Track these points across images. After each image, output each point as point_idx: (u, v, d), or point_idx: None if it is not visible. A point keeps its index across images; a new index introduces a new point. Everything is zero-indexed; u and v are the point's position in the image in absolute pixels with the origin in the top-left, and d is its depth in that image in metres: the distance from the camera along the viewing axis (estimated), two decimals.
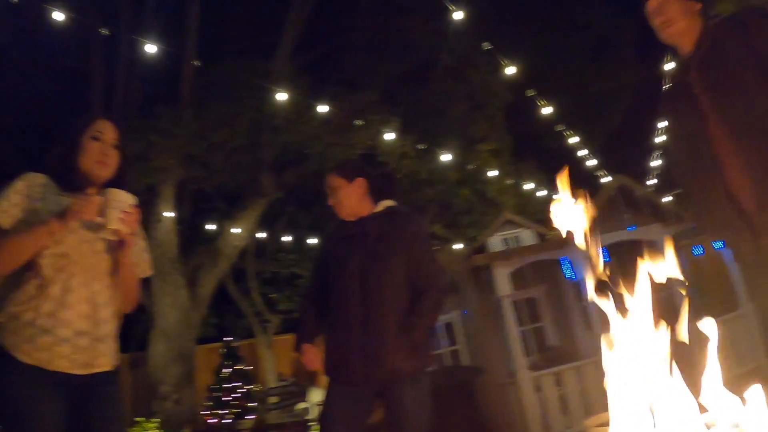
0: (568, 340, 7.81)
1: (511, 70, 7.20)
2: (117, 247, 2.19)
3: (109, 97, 10.20)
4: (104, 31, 6.56)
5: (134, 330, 11.34)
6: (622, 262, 7.97)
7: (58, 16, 4.97)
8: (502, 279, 7.39)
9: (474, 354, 8.58)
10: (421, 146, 9.62)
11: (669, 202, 7.28)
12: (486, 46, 6.85)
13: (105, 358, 2.14)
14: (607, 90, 11.74)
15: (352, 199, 3.01)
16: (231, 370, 10.15)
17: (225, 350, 10.46)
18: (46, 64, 10.08)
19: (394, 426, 2.84)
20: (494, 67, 8.20)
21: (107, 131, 2.25)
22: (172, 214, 9.83)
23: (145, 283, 8.53)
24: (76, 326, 2.05)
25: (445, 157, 9.48)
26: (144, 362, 10.08)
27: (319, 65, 11.76)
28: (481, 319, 8.24)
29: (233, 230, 10.40)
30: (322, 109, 8.40)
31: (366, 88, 9.63)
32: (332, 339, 2.96)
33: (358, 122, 9.24)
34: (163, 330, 9.42)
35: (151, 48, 6.39)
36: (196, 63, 8.36)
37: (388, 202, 3.10)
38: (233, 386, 9.95)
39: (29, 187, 2.12)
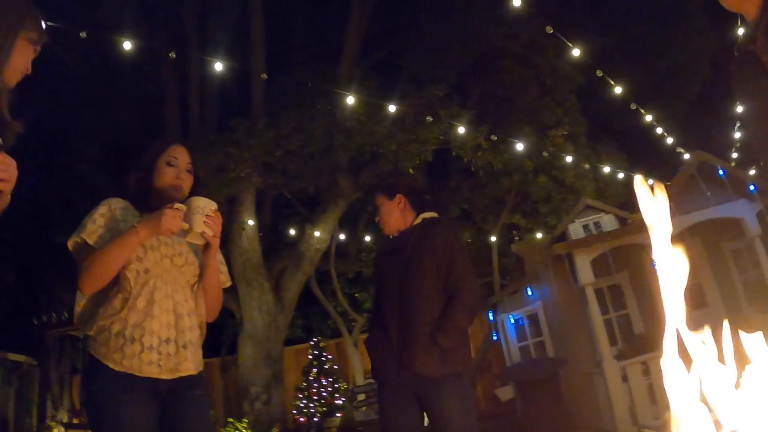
0: (655, 328, 7.46)
1: (578, 51, 6.95)
2: (203, 250, 2.31)
3: (185, 115, 10.73)
4: (172, 55, 6.88)
5: (224, 335, 11.84)
6: (707, 243, 7.55)
7: (127, 45, 5.25)
8: (584, 267, 7.19)
9: (559, 345, 8.39)
10: (493, 137, 9.46)
11: (754, 176, 6.80)
12: (549, 29, 6.62)
13: (190, 362, 2.24)
14: (680, 62, 11.08)
15: (393, 216, 3.20)
16: (319, 369, 10.38)
17: (313, 350, 10.71)
18: (122, 90, 10.70)
19: (432, 430, 2.89)
20: (561, 49, 7.96)
21: (181, 156, 2.40)
22: (253, 222, 10.18)
23: (233, 289, 8.90)
24: (161, 334, 2.17)
25: (519, 146, 9.30)
26: (234, 366, 10.52)
27: (386, 65, 11.82)
28: (565, 309, 8.04)
29: (315, 233, 10.62)
30: (392, 108, 8.48)
31: (434, 83, 9.58)
32: (374, 344, 3.11)
33: (429, 118, 9.21)
34: (251, 334, 9.77)
35: (219, 66, 6.64)
36: (264, 76, 8.60)
37: (427, 214, 3.22)
38: (321, 385, 10.18)
39: (112, 210, 2.28)
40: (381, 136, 9.46)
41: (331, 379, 10.25)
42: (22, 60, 1.72)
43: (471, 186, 11.33)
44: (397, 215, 3.20)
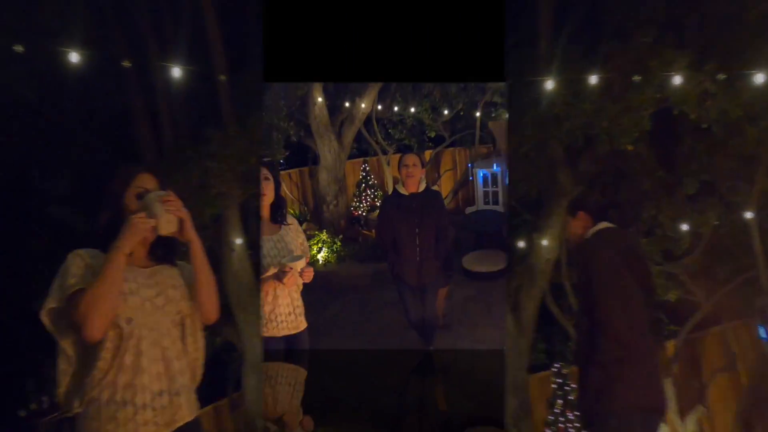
0: None
1: None
2: (180, 232, 2.24)
3: (157, 131, 9.66)
4: (127, 64, 6.41)
5: None
6: None
7: (74, 57, 4.78)
8: None
9: None
10: (721, 76, 7.53)
11: None
12: None
13: (184, 409, 2.23)
14: None
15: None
16: (564, 401, 9.02)
17: (555, 378, 9.39)
18: (86, 113, 9.42)
19: None
20: None
21: (150, 184, 2.28)
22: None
23: None
24: (153, 388, 2.15)
25: (761, 78, 7.24)
26: None
27: (585, 27, 10.52)
28: None
29: (542, 242, 9.51)
30: (596, 78, 7.32)
31: (639, 29, 8.07)
32: None
33: (636, 78, 7.73)
34: None
35: (176, 71, 6.14)
36: (222, 77, 7.71)
37: None
38: (567, 420, 8.77)
39: (85, 260, 2.16)
40: (590, 114, 8.21)
41: (578, 413, 8.80)
42: None
43: (707, 147, 9.03)
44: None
